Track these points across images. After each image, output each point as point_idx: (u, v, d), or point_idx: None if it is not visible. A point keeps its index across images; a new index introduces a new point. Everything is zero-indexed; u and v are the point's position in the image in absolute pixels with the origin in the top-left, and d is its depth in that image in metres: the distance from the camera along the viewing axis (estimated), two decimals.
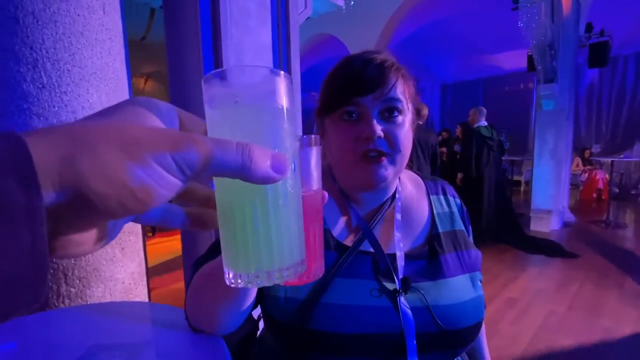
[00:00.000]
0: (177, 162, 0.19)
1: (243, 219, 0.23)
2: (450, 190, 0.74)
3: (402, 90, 0.59)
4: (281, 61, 1.67)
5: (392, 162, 0.58)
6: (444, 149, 5.42)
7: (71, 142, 0.17)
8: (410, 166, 0.74)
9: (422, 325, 0.54)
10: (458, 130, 4.97)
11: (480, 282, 0.69)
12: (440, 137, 5.80)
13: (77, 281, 1.02)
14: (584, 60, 5.15)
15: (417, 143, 3.09)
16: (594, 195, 7.01)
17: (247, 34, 1.49)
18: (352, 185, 0.65)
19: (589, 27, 4.86)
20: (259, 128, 0.24)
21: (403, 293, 0.56)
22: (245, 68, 0.24)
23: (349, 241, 0.62)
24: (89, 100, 1.02)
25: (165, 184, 0.19)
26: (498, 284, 2.97)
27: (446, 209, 0.69)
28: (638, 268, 3.22)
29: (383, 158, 0.57)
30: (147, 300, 1.26)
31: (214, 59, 1.44)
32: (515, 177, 8.04)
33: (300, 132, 1.70)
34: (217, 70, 0.23)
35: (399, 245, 0.61)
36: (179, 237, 1.90)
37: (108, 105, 0.22)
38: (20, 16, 0.92)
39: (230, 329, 0.56)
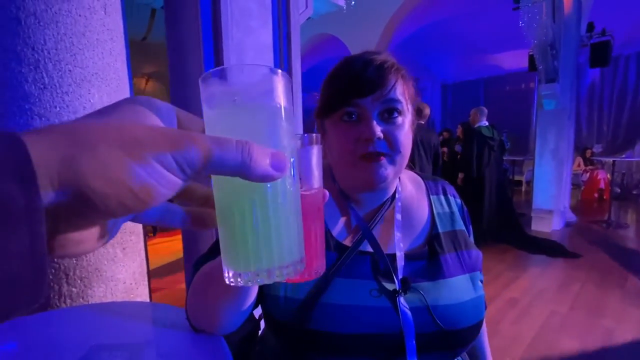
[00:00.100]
0: (177, 161, 0.19)
1: (242, 217, 0.23)
2: (450, 190, 0.73)
3: (402, 91, 0.59)
4: (282, 61, 1.68)
5: (392, 162, 0.58)
6: (445, 149, 5.41)
7: (71, 141, 0.17)
8: (411, 166, 0.74)
9: (422, 326, 0.54)
10: (459, 130, 4.97)
11: (481, 282, 0.68)
12: (441, 137, 5.79)
13: (79, 281, 1.03)
14: (586, 59, 5.15)
15: (420, 143, 3.09)
16: (596, 195, 6.99)
17: (248, 34, 1.49)
18: (352, 186, 0.65)
19: (591, 27, 4.85)
20: (258, 126, 0.24)
21: (402, 293, 0.56)
22: (244, 67, 0.24)
23: (348, 241, 0.62)
24: (90, 101, 1.03)
25: (165, 183, 0.19)
26: (499, 284, 2.96)
27: (446, 209, 0.69)
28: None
29: (383, 158, 0.57)
30: (148, 300, 1.26)
31: (214, 59, 1.44)
32: (517, 177, 8.02)
33: (301, 132, 1.70)
34: (215, 69, 0.23)
35: (399, 245, 0.61)
36: (180, 237, 1.90)
37: None
38: (22, 17, 0.93)
39: (231, 328, 0.56)
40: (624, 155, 7.18)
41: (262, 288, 0.59)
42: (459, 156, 4.51)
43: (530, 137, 7.98)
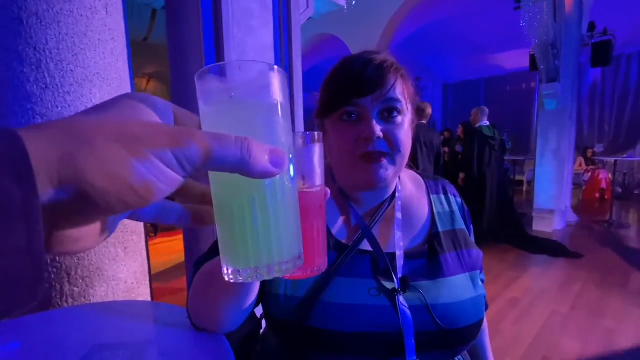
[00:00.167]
0: (177, 158, 0.19)
1: (242, 213, 0.23)
2: (451, 189, 0.74)
3: (402, 91, 0.59)
4: (283, 61, 1.68)
5: (392, 162, 0.59)
6: (446, 149, 5.41)
7: (70, 137, 0.16)
8: (411, 165, 0.74)
9: (421, 324, 0.54)
10: (460, 130, 4.96)
11: (482, 281, 0.68)
12: (442, 137, 5.78)
13: (80, 280, 1.03)
14: (587, 59, 5.13)
15: (423, 144, 3.08)
16: (597, 195, 6.97)
17: (249, 34, 1.49)
18: (352, 185, 0.65)
19: (592, 26, 4.84)
20: (256, 123, 0.24)
21: (402, 292, 0.56)
22: (240, 63, 0.24)
23: (348, 240, 0.62)
24: (92, 101, 1.03)
25: (165, 179, 0.19)
26: (500, 284, 2.96)
27: (447, 208, 0.69)
28: None
29: (383, 158, 0.57)
30: (149, 299, 1.27)
31: (215, 59, 1.44)
32: (518, 177, 8.01)
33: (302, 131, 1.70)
34: (210, 65, 0.23)
35: (399, 244, 0.61)
36: (181, 237, 1.90)
37: None
38: (24, 17, 0.93)
39: (233, 327, 0.56)
40: (625, 155, 7.16)
41: (262, 286, 0.59)
42: (460, 156, 4.51)
43: (532, 136, 7.97)
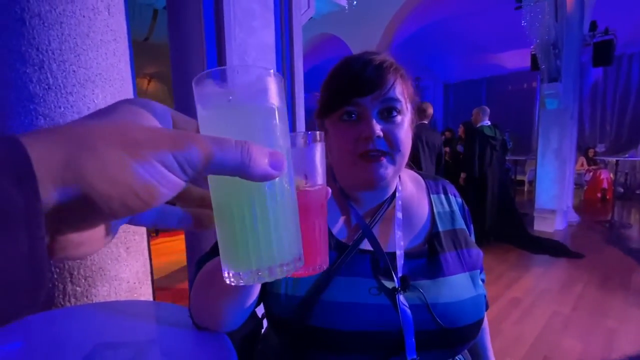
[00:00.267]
0: (178, 161, 0.19)
1: (242, 217, 0.23)
2: (451, 189, 0.74)
3: (401, 91, 0.59)
4: (284, 61, 1.68)
5: (392, 161, 0.59)
6: (447, 149, 5.40)
7: (72, 142, 0.17)
8: (411, 165, 0.74)
9: (422, 324, 0.55)
10: (460, 130, 4.95)
11: (483, 281, 0.69)
12: (443, 137, 5.78)
13: (83, 280, 1.03)
14: (588, 59, 5.11)
15: (425, 144, 3.08)
16: (599, 195, 6.96)
17: (250, 35, 1.49)
18: (352, 185, 0.65)
19: (593, 26, 4.83)
20: (253, 126, 0.24)
21: (402, 291, 0.56)
22: (237, 67, 0.24)
23: (348, 240, 0.62)
24: (94, 101, 1.03)
25: (166, 183, 0.19)
26: (501, 284, 2.96)
27: (447, 207, 0.70)
28: None
29: (382, 157, 0.58)
30: (152, 299, 1.27)
31: (217, 59, 1.44)
32: (519, 177, 7.99)
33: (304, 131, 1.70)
34: (208, 70, 0.23)
35: (399, 243, 0.61)
36: (182, 237, 1.91)
37: None
38: (27, 18, 0.94)
39: (234, 326, 0.56)
40: (627, 155, 7.14)
41: (263, 286, 0.59)
42: (461, 156, 4.50)
43: (533, 136, 7.95)
